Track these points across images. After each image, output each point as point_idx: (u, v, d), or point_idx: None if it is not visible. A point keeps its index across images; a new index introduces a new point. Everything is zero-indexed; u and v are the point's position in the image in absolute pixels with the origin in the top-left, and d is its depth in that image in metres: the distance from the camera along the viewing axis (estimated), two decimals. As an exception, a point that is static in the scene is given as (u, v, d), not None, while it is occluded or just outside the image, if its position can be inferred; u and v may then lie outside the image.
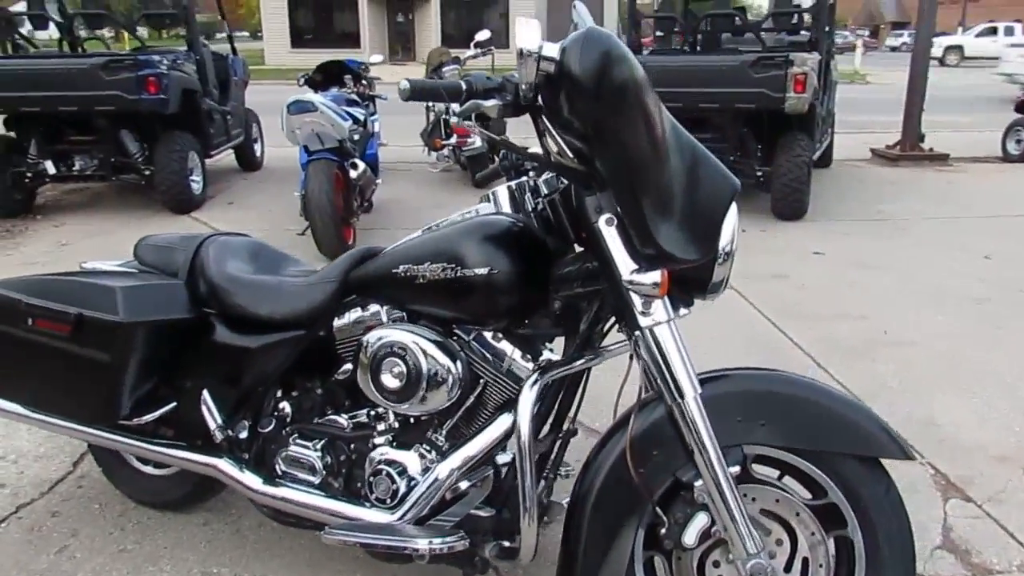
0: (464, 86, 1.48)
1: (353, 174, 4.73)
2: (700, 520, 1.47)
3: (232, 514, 2.22)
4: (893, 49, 37.58)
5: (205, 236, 2.05)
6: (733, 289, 4.16)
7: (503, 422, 1.63)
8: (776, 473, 1.57)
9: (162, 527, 2.17)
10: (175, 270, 2.00)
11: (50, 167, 5.82)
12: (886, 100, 9.24)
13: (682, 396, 1.42)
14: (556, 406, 1.70)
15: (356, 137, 5.18)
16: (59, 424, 2.04)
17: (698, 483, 1.46)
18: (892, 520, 1.47)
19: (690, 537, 1.47)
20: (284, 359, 1.87)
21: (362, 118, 5.40)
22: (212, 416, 1.89)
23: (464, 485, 1.64)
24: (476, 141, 6.62)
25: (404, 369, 1.64)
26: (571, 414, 1.77)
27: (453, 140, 6.67)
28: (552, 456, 1.80)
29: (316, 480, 1.82)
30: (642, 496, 1.49)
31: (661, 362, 1.44)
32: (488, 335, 1.67)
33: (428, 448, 1.72)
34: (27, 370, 1.96)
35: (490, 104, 1.39)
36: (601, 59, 1.28)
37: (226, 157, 7.62)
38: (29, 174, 5.86)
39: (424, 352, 1.63)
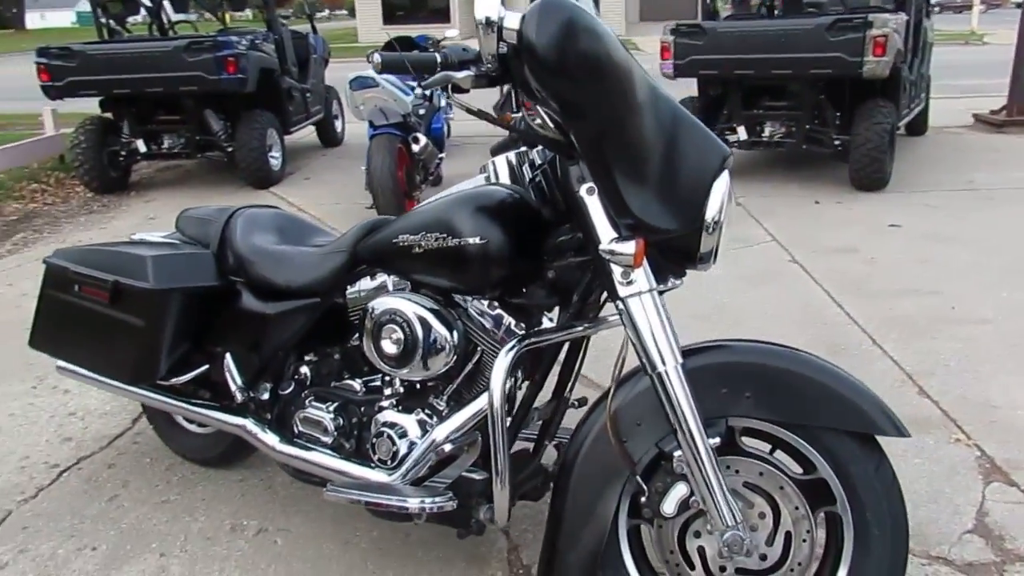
0: (439, 58, 1.50)
1: (415, 148, 4.81)
2: (679, 490, 1.47)
3: (267, 471, 2.34)
4: (1019, 6, 34.88)
5: (236, 208, 2.15)
6: (796, 264, 4.03)
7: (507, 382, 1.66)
8: (768, 447, 1.55)
9: (202, 481, 2.32)
10: (209, 241, 2.11)
11: (141, 146, 6.17)
12: (1001, 62, 8.60)
13: (663, 366, 1.42)
14: (559, 374, 1.72)
15: (421, 112, 5.27)
16: (111, 384, 2.20)
17: (677, 453, 1.45)
18: (882, 498, 1.43)
19: (669, 506, 1.47)
20: (301, 326, 1.95)
21: (428, 92, 5.47)
22: (235, 379, 2.01)
23: (453, 448, 1.68)
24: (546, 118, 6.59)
25: (402, 336, 1.69)
26: (570, 383, 1.79)
27: (521, 115, 6.64)
28: (553, 424, 1.83)
29: (329, 440, 1.90)
30: (624, 466, 1.50)
31: (642, 332, 1.43)
32: (484, 304, 1.70)
33: (429, 413, 1.77)
34: (80, 333, 2.11)
35: (462, 75, 1.40)
36: (561, 30, 1.27)
37: (308, 134, 7.88)
38: (123, 153, 6.23)
39: (421, 320, 1.68)
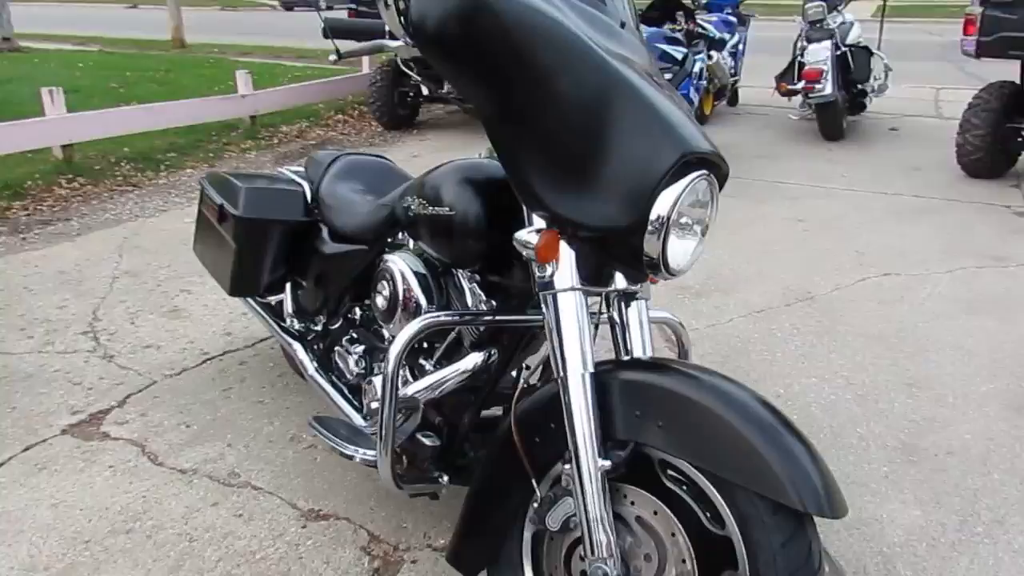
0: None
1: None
2: (566, 506, 1.36)
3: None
4: None
5: (341, 153, 2.34)
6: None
7: (470, 359, 1.65)
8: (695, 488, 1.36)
9: (297, 393, 2.60)
10: (312, 180, 2.33)
11: (423, 89, 6.76)
12: None
13: (568, 371, 1.32)
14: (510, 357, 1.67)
15: (668, 76, 5.10)
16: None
17: (566, 467, 1.35)
18: None
19: (553, 521, 1.37)
20: (352, 269, 2.09)
21: (679, 56, 5.26)
22: (294, 307, 2.22)
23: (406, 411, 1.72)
24: (826, 88, 5.99)
25: (388, 292, 1.75)
26: (524, 369, 1.74)
27: (800, 85, 6.09)
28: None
29: (350, 379, 2.04)
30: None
31: (554, 331, 1.34)
32: (464, 275, 1.69)
33: (414, 372, 1.81)
34: (210, 245, 2.47)
35: (396, 44, 1.39)
36: (443, 7, 1.20)
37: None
38: (411, 94, 6.88)
39: (404, 279, 1.72)
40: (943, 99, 8.49)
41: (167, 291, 3.43)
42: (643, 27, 5.33)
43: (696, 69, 5.38)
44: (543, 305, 1.37)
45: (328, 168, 2.27)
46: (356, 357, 2.03)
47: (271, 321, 2.38)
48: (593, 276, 1.41)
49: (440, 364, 1.76)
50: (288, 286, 2.30)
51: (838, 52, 6.19)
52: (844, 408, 2.50)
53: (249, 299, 2.50)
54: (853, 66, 6.25)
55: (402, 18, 1.30)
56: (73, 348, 2.91)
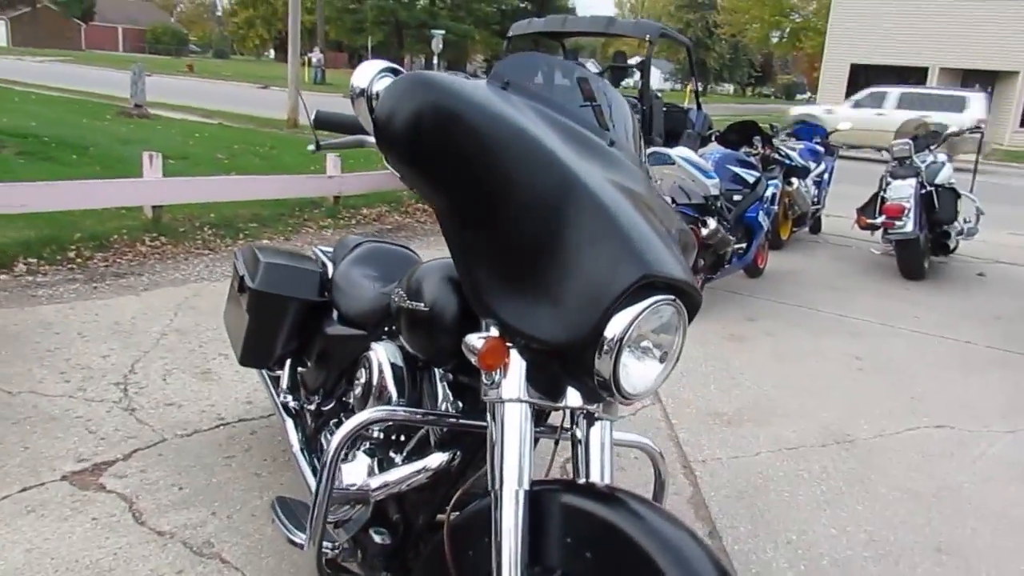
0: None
1: (704, 232, 4.64)
2: (487, 628, 1.28)
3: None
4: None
5: (366, 240, 2.39)
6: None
7: (432, 459, 1.61)
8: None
9: (294, 470, 2.59)
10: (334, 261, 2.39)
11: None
12: None
13: (501, 485, 1.27)
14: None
15: (736, 197, 5.10)
16: None
17: (494, 587, 1.27)
18: None
19: (474, 643, 1.29)
20: (349, 353, 2.09)
21: (751, 180, 5.24)
22: (290, 385, 2.24)
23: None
24: (907, 225, 5.81)
25: (364, 380, 1.75)
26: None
27: (880, 220, 5.93)
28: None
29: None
30: None
31: (495, 441, 1.30)
32: (437, 372, 1.67)
33: (381, 462, 1.78)
34: (232, 312, 2.55)
35: (373, 140, 1.42)
36: (402, 112, 1.23)
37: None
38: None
39: (381, 370, 1.72)
40: (1043, 249, 8.09)
41: (206, 353, 3.53)
42: (718, 148, 5.40)
43: (768, 194, 5.32)
44: (487, 413, 1.33)
45: (350, 252, 2.33)
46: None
47: (272, 394, 2.41)
48: (546, 390, 1.37)
49: (409, 460, 1.73)
50: (288, 362, 2.33)
51: (923, 191, 6.03)
52: (858, 566, 2.30)
53: (262, 371, 2.55)
54: (938, 206, 6.06)
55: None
56: (101, 397, 3.01)
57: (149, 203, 5.59)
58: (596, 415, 1.43)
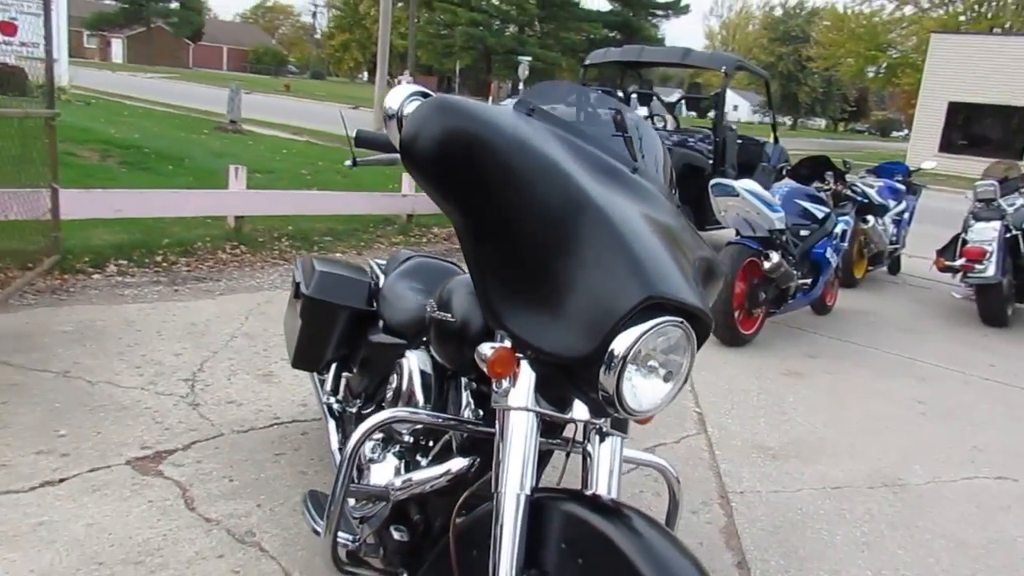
0: None
1: (766, 265, 4.60)
2: (488, 627, 1.34)
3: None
4: None
5: (416, 254, 2.51)
6: None
7: (453, 463, 1.68)
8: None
9: (337, 471, 2.71)
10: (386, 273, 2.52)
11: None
12: None
13: (505, 487, 1.34)
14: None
15: (804, 232, 5.04)
16: None
17: (494, 587, 1.33)
18: None
19: (476, 640, 1.35)
20: (390, 360, 2.20)
21: (819, 215, 5.17)
22: (333, 387, 2.36)
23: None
24: (988, 269, 5.61)
25: (395, 385, 1.85)
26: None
27: (959, 262, 5.73)
28: None
29: (362, 464, 2.12)
30: None
31: (501, 447, 1.37)
32: (463, 381, 1.75)
33: (408, 464, 1.87)
34: (290, 316, 2.70)
35: (395, 156, 1.52)
36: (427, 136, 1.30)
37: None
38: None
39: (411, 376, 1.81)
40: None
41: (269, 357, 3.71)
42: (789, 182, 5.34)
43: (838, 230, 5.23)
44: (496, 420, 1.40)
45: (400, 265, 2.45)
46: (374, 443, 2.12)
47: (319, 395, 2.53)
48: (555, 402, 1.43)
49: (433, 464, 1.81)
50: (333, 366, 2.45)
51: (1008, 234, 5.81)
52: (890, 610, 2.26)
53: (312, 374, 2.68)
54: (1024, 251, 5.83)
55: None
56: (170, 391, 3.21)
57: (232, 213, 5.90)
58: (605, 430, 1.48)
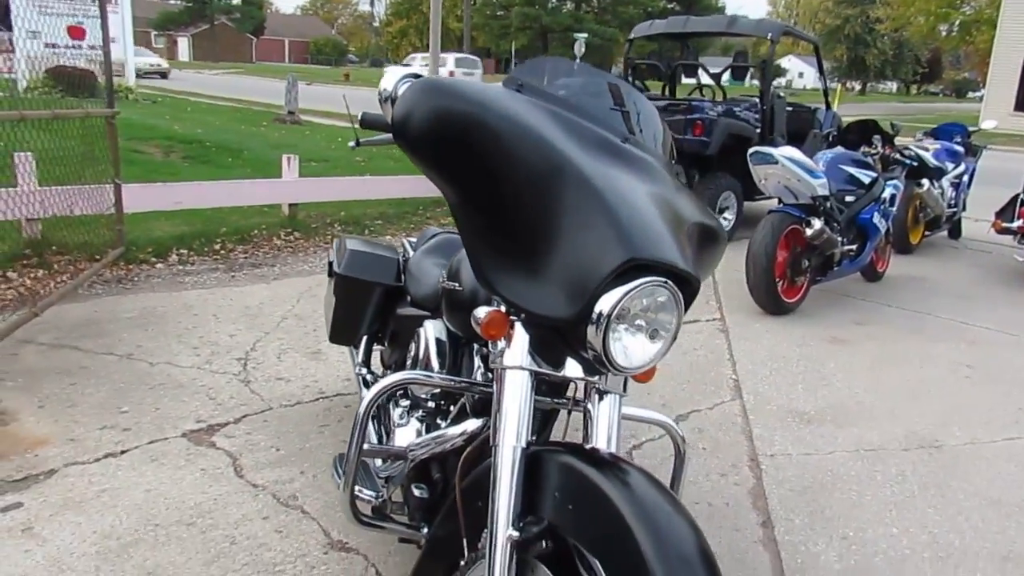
0: None
1: (808, 232, 4.56)
2: (481, 569, 1.45)
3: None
4: None
5: (443, 232, 2.62)
6: None
7: (466, 424, 1.79)
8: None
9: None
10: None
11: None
12: None
13: (501, 440, 1.44)
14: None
15: (849, 198, 4.96)
16: None
17: (485, 532, 1.44)
18: None
19: (472, 583, 1.46)
20: (414, 331, 2.33)
21: (866, 180, 5.08)
22: (364, 359, 2.49)
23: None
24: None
25: (413, 352, 1.97)
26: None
27: (1017, 224, 5.56)
28: None
29: (390, 428, 2.25)
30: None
31: (497, 403, 1.47)
32: (475, 347, 1.85)
33: (429, 426, 1.98)
34: (327, 297, 2.85)
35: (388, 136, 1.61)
36: (415, 114, 1.38)
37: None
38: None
39: (427, 343, 1.93)
40: None
41: (318, 336, 3.89)
42: (839, 149, 5.24)
43: (886, 195, 5.12)
44: (494, 379, 1.50)
45: (427, 241, 2.56)
46: (401, 410, 2.24)
47: (354, 367, 2.68)
48: (550, 361, 1.52)
49: (452, 426, 1.92)
50: (365, 339, 2.58)
51: (1071, 194, 5.60)
52: (912, 566, 2.28)
53: (350, 348, 2.83)
54: (1088, 211, 5.61)
55: (396, 113, 1.53)
56: (224, 369, 3.41)
57: (286, 201, 6.12)
58: (603, 389, 1.56)
